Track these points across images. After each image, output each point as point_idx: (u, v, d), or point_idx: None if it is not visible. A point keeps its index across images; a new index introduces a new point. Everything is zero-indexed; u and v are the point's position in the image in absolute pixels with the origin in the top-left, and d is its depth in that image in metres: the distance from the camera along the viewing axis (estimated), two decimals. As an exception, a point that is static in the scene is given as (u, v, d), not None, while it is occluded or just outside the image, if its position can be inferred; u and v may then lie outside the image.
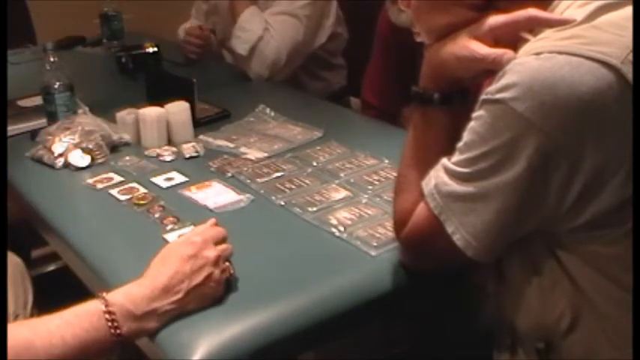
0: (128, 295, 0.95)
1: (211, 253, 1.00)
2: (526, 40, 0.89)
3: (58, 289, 1.41)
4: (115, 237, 1.22)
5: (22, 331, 0.91)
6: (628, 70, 0.80)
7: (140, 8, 2.70)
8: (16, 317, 1.35)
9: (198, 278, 0.97)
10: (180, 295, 0.96)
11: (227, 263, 1.02)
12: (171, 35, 2.57)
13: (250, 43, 2.07)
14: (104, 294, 0.95)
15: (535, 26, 0.89)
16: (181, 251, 0.99)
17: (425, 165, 0.96)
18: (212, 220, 1.08)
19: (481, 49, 0.91)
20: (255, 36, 2.06)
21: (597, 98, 0.80)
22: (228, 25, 2.19)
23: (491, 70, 0.89)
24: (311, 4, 2.13)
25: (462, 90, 0.99)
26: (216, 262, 0.99)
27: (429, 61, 0.99)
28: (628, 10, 0.86)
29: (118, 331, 0.93)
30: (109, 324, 0.92)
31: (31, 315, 1.38)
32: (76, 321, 0.93)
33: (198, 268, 0.98)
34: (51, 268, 2.16)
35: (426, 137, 1.00)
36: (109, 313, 0.93)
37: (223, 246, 1.03)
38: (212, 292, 0.99)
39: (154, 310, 0.95)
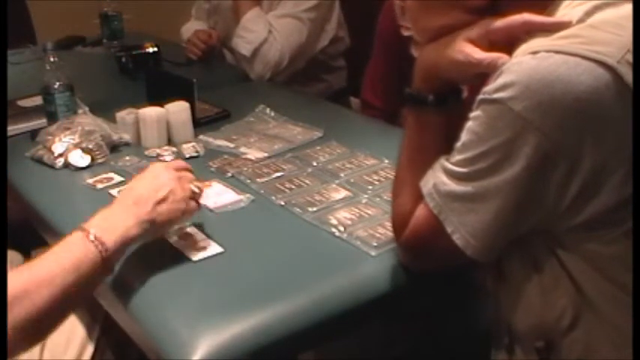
0: (100, 215, 1.04)
1: (172, 174, 1.12)
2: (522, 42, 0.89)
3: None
4: (114, 237, 1.22)
5: (23, 275, 0.95)
6: (625, 71, 0.80)
7: (140, 8, 2.70)
8: None
9: (163, 191, 1.08)
10: (149, 207, 1.06)
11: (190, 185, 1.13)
12: (172, 35, 2.57)
13: (254, 45, 2.07)
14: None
15: (531, 30, 0.89)
16: (143, 178, 1.12)
17: (422, 166, 0.97)
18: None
19: (476, 53, 0.91)
20: (260, 38, 2.06)
21: (594, 98, 0.80)
22: (230, 25, 2.19)
23: (484, 73, 0.89)
24: (315, 8, 2.13)
25: (455, 90, 0.99)
26: (177, 180, 1.11)
27: (422, 62, 0.99)
28: (625, 9, 0.86)
29: (105, 247, 0.99)
30: (94, 243, 0.99)
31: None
32: (62, 250, 0.99)
33: (160, 185, 1.09)
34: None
35: (422, 139, 1.00)
36: (89, 233, 1.00)
37: (184, 172, 1.15)
38: (177, 206, 1.09)
39: (128, 218, 1.04)
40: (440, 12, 0.95)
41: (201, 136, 1.63)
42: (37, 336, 0.97)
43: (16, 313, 0.90)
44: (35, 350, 1.24)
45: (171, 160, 1.49)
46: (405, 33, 1.04)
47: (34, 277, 0.94)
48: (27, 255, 1.86)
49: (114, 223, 1.03)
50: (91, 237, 0.99)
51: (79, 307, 1.06)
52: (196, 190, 1.14)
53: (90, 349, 1.25)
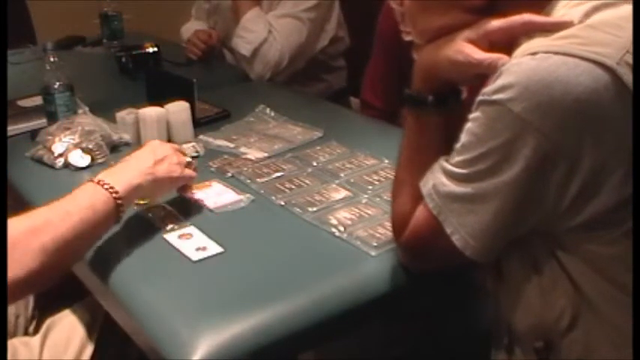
0: (104, 171, 1.16)
1: (168, 146, 1.27)
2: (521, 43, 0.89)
3: (58, 289, 1.40)
4: (114, 237, 1.22)
5: (43, 211, 1.04)
6: (624, 72, 0.80)
7: (140, 8, 2.70)
8: (17, 318, 1.35)
9: (160, 155, 1.21)
10: (150, 164, 1.19)
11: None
12: (172, 35, 2.57)
13: (254, 45, 2.07)
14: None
15: (531, 31, 0.89)
16: (142, 149, 1.25)
17: (421, 167, 0.96)
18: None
19: (476, 53, 0.91)
20: (260, 38, 2.06)
21: (593, 98, 0.80)
22: (230, 25, 2.19)
23: (484, 73, 0.89)
24: (315, 8, 2.13)
25: (455, 91, 0.99)
26: (173, 149, 1.25)
27: (421, 63, 0.99)
28: (624, 10, 0.86)
29: (115, 190, 1.10)
30: (105, 187, 1.10)
31: (32, 316, 1.39)
32: (76, 195, 1.09)
33: (159, 151, 1.22)
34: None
35: (421, 139, 1.00)
36: (100, 181, 1.11)
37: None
38: (175, 168, 1.23)
39: (131, 171, 1.16)
40: (438, 12, 0.95)
41: (201, 136, 1.63)
42: (64, 261, 1.06)
43: (43, 238, 1.00)
44: (35, 350, 1.24)
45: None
46: (406, 38, 1.03)
47: (54, 212, 1.04)
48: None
49: (118, 174, 1.15)
50: (101, 183, 1.10)
51: (91, 246, 1.14)
52: (190, 159, 1.30)
53: (90, 349, 1.25)
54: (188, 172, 1.27)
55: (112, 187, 1.10)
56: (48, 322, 1.29)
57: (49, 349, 1.24)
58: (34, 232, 1.00)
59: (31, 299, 1.44)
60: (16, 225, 1.00)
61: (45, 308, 1.36)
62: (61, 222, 1.03)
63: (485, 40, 0.91)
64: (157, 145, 1.25)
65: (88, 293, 1.23)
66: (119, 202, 1.10)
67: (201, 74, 2.14)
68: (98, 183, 1.10)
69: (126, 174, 1.15)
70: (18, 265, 0.96)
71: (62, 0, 3.20)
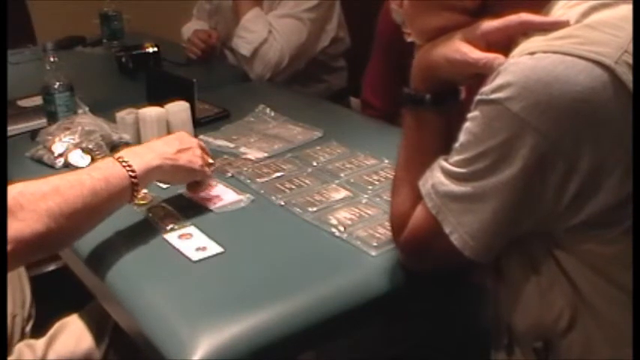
0: (126, 149, 1.18)
1: (194, 139, 1.29)
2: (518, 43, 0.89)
3: (58, 289, 1.40)
4: (114, 237, 1.22)
5: (54, 179, 1.05)
6: (622, 71, 0.80)
7: (140, 8, 2.70)
8: (14, 317, 1.35)
9: (185, 145, 1.23)
10: (172, 150, 1.20)
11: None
12: (172, 35, 2.57)
13: (254, 45, 2.07)
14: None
15: (528, 30, 0.89)
16: (169, 136, 1.28)
17: (420, 166, 0.97)
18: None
19: (473, 53, 0.91)
20: (260, 38, 2.07)
21: (592, 98, 0.80)
22: (231, 26, 2.19)
23: (481, 73, 0.89)
24: (316, 8, 2.13)
25: (453, 90, 0.99)
26: (197, 144, 1.27)
27: (419, 62, 0.99)
28: (622, 10, 0.86)
29: (131, 168, 1.11)
30: (122, 164, 1.11)
31: (29, 315, 1.39)
32: (92, 167, 1.12)
33: (185, 142, 1.24)
34: (51, 268, 2.16)
35: (420, 139, 1.00)
36: (119, 158, 1.13)
37: None
38: (196, 160, 1.24)
39: (151, 152, 1.17)
40: (433, 13, 0.96)
41: (201, 136, 1.63)
42: (71, 229, 1.06)
43: (50, 203, 1.00)
44: (39, 352, 1.24)
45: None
46: (408, 39, 1.04)
47: (65, 181, 1.05)
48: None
49: (139, 154, 1.16)
50: (120, 160, 1.12)
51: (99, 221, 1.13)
52: (212, 161, 1.31)
53: (97, 357, 1.26)
54: (207, 170, 1.28)
55: (129, 166, 1.11)
56: (56, 326, 1.29)
57: (55, 354, 1.24)
58: (43, 196, 1.01)
59: (27, 298, 1.44)
60: (25, 188, 1.01)
61: (45, 309, 1.35)
62: (71, 189, 1.03)
63: (483, 40, 0.92)
64: (184, 135, 1.28)
65: (91, 297, 1.23)
66: (134, 180, 1.11)
67: (201, 74, 2.14)
68: (117, 160, 1.12)
69: (146, 155, 1.16)
70: (24, 224, 0.97)
71: (62, 0, 3.20)
